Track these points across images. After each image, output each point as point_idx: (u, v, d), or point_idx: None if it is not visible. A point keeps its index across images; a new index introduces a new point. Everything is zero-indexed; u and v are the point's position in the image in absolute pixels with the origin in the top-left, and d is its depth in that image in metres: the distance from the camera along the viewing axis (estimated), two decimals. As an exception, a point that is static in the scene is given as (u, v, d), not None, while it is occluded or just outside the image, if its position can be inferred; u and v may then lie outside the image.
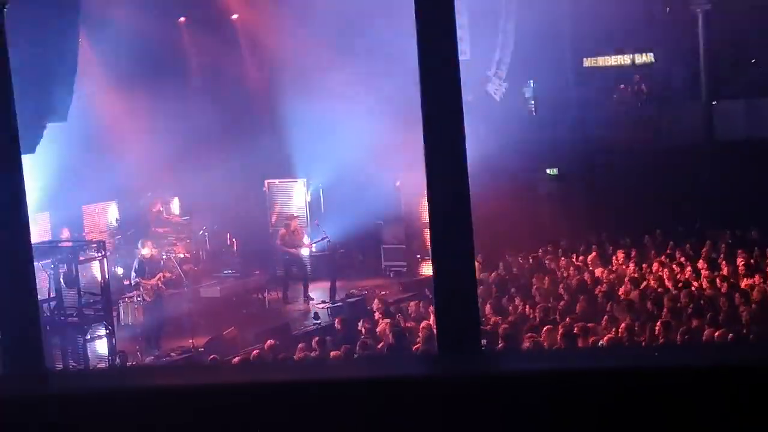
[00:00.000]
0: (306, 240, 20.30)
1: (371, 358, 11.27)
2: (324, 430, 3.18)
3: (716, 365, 3.25)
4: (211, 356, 14.09)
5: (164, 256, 18.05)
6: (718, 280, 15.32)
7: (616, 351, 6.25)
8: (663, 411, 3.08)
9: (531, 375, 3.24)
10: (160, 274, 17.00)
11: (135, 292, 17.33)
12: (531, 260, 18.71)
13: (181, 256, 19.72)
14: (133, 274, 17.35)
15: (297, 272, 19.88)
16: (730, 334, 11.83)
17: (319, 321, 17.73)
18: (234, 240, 21.31)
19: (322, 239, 20.28)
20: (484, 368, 3.43)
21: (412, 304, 16.34)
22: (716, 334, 11.93)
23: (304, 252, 20.12)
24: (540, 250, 19.17)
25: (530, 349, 11.97)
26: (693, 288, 15.00)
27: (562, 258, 18.45)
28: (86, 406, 3.27)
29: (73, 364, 14.49)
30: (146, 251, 17.35)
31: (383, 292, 19.03)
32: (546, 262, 18.41)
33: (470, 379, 3.22)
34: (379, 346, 13.20)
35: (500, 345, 12.55)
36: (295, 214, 21.01)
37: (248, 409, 3.21)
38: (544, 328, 12.90)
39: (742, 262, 16.20)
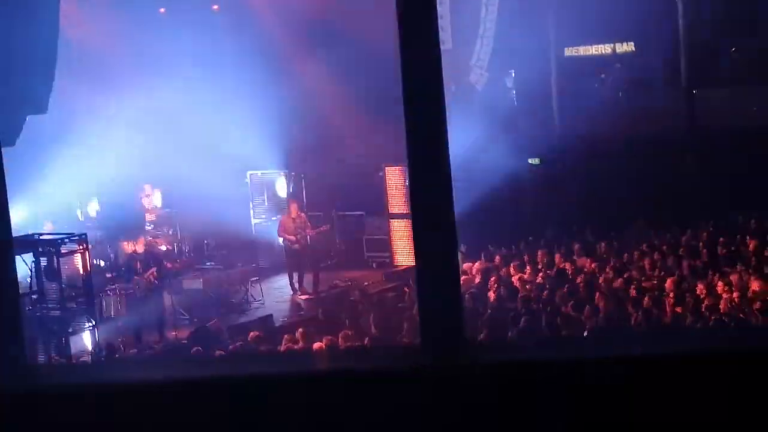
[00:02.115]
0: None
1: (354, 349, 11.27)
2: (307, 422, 3.17)
3: (707, 349, 3.26)
4: (195, 348, 14.05)
5: (147, 249, 17.95)
6: (700, 267, 15.38)
7: (601, 339, 6.26)
8: (652, 398, 3.08)
9: (514, 365, 3.24)
10: (153, 269, 16.89)
11: (119, 285, 17.24)
12: (513, 250, 18.72)
13: (164, 248, 19.65)
14: (124, 271, 17.26)
15: (301, 261, 19.60)
16: (711, 323, 11.89)
17: (302, 312, 17.72)
18: (216, 231, 21.18)
19: (323, 228, 20.16)
20: (467, 358, 3.42)
21: (394, 295, 16.35)
22: (699, 324, 11.98)
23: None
24: (522, 240, 19.18)
25: (513, 339, 11.99)
26: (674, 276, 15.04)
27: (545, 247, 18.46)
28: (69, 399, 3.25)
29: (56, 357, 14.43)
30: (139, 247, 17.26)
31: (366, 283, 19.02)
32: (528, 251, 18.41)
33: (454, 369, 3.22)
34: (362, 338, 13.20)
35: (482, 335, 12.57)
36: (294, 200, 20.71)
37: (231, 401, 3.20)
38: (523, 319, 12.93)
39: (724, 250, 16.27)
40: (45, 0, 15.34)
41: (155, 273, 16.86)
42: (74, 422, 3.22)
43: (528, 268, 16.93)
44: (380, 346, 11.95)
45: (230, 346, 13.61)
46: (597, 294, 14.13)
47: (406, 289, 16.32)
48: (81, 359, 14.32)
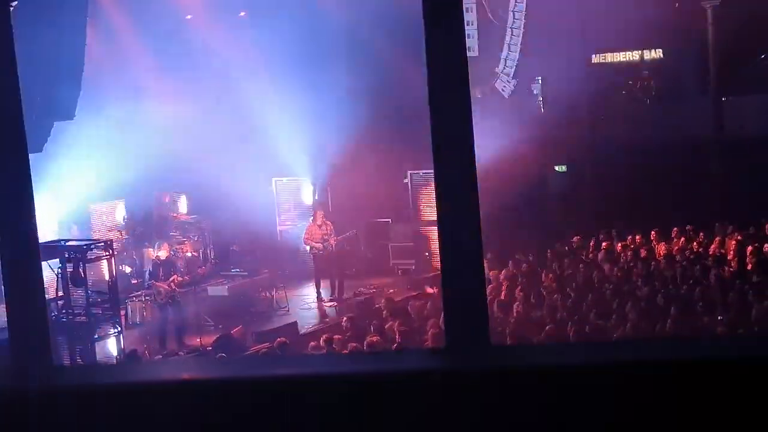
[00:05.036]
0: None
1: (378, 352, 11.23)
2: (330, 423, 3.14)
3: (736, 355, 3.19)
4: (219, 355, 14.08)
5: (171, 255, 18.01)
6: (728, 276, 15.25)
7: (628, 344, 6.19)
8: (678, 403, 3.02)
9: (540, 368, 3.19)
10: (174, 277, 16.88)
11: (143, 291, 17.28)
12: (540, 258, 18.62)
13: (189, 254, 19.69)
14: (146, 276, 17.26)
15: (328, 268, 19.62)
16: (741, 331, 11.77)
17: (327, 319, 17.71)
18: (241, 238, 21.26)
19: (350, 233, 20.17)
20: (492, 361, 3.37)
21: (419, 302, 16.28)
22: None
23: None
24: (549, 248, 19.07)
25: (539, 344, 11.91)
26: (703, 285, 14.92)
27: (571, 255, 18.37)
28: (95, 400, 3.24)
29: (81, 363, 14.47)
30: (162, 253, 17.25)
31: (391, 291, 18.98)
32: (555, 259, 18.32)
33: (479, 372, 3.17)
34: (386, 345, 13.15)
35: (508, 342, 12.50)
36: (320, 207, 20.75)
37: (254, 402, 3.18)
38: (548, 327, 12.87)
39: (753, 259, 16.12)
40: (72, 9, 15.46)
41: (177, 280, 16.83)
42: (99, 422, 3.21)
43: (555, 275, 16.84)
44: (404, 349, 11.91)
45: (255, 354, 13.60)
46: (625, 302, 14.03)
47: (428, 289, 16.27)
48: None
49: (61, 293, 14.64)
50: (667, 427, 2.90)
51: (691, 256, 17.16)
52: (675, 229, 19.03)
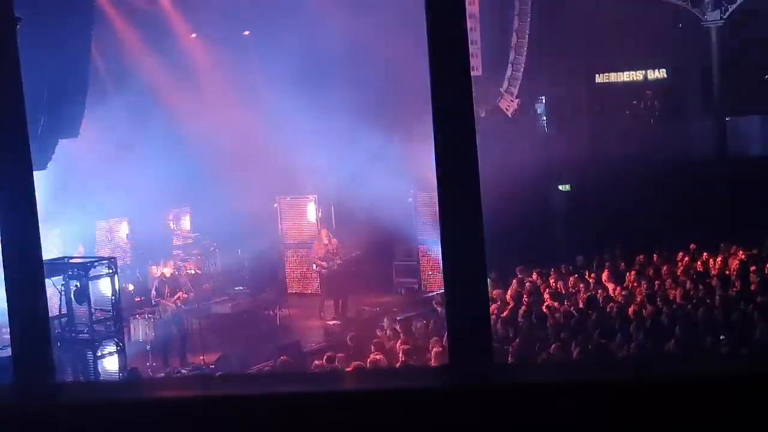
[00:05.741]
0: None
1: (381, 370, 11.20)
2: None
3: (734, 374, 3.18)
4: (221, 373, 14.05)
5: (175, 272, 18.02)
6: (732, 296, 15.21)
7: (629, 363, 6.18)
8: (679, 421, 3.01)
9: (543, 386, 3.19)
10: (180, 294, 16.89)
11: (147, 309, 17.28)
12: (543, 277, 18.58)
13: (193, 272, 19.69)
14: (153, 293, 17.30)
15: (336, 287, 19.60)
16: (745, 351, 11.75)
17: (330, 338, 17.68)
18: (244, 256, 21.28)
19: (355, 255, 20.22)
20: (495, 380, 3.37)
21: (422, 321, 16.25)
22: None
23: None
24: (552, 268, 19.05)
25: (542, 362, 11.88)
26: (707, 304, 14.89)
27: (575, 275, 18.33)
28: (96, 417, 3.24)
29: (83, 380, 14.44)
30: (167, 270, 17.30)
31: (394, 309, 18.95)
32: (558, 278, 18.28)
33: (482, 390, 3.16)
34: (389, 363, 13.12)
35: (511, 361, 12.47)
36: (325, 226, 20.81)
37: (259, 421, 3.17)
38: (553, 346, 12.83)
39: (757, 279, 16.09)
40: (77, 28, 15.52)
41: (182, 297, 16.88)
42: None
43: (559, 294, 16.80)
44: (407, 367, 11.88)
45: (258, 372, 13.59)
46: (629, 321, 14.00)
47: (436, 306, 16.29)
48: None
49: (64, 310, 14.63)
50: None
51: (695, 276, 17.12)
52: (679, 248, 19.01)
